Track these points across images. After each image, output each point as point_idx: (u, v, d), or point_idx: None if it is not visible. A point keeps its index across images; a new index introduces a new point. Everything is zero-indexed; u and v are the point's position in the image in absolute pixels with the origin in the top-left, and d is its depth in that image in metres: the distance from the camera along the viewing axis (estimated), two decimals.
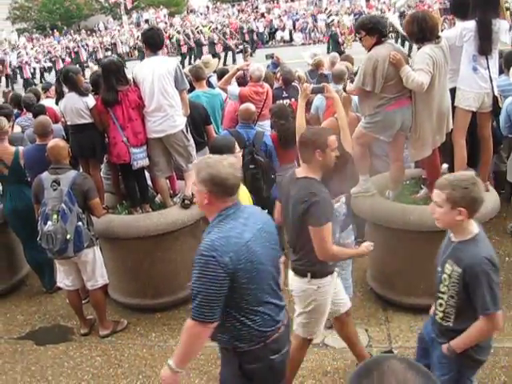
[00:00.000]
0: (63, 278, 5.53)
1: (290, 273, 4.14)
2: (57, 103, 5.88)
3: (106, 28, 46.67)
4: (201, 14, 46.12)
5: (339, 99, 5.16)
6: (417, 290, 5.31)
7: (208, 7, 48.10)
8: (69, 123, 5.91)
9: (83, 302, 5.85)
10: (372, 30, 5.19)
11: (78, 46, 34.69)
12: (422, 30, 5.02)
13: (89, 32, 45.05)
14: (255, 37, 33.06)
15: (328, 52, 23.84)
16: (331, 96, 5.19)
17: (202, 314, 2.86)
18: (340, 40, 25.59)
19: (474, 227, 3.20)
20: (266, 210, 5.97)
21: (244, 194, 4.33)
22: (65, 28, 50.46)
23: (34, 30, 52.26)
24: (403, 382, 1.47)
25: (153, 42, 5.79)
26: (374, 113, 5.22)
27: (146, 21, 45.43)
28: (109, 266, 5.60)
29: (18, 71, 30.74)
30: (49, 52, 33.99)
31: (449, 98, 5.26)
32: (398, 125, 5.20)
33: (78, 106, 5.71)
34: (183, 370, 3.07)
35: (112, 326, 5.73)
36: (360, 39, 5.35)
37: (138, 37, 34.82)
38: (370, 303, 5.79)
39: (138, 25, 45.00)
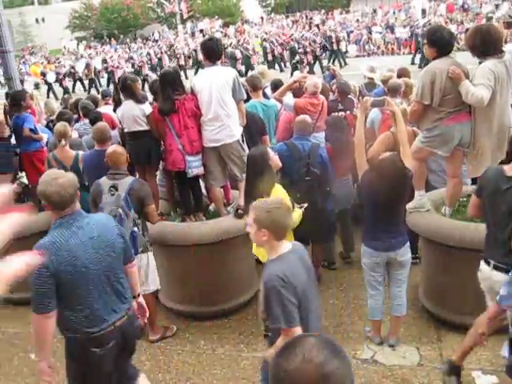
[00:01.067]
0: None
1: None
2: (114, 110, 6.00)
3: (161, 37, 47.44)
4: (255, 24, 46.43)
5: (400, 113, 5.11)
6: (471, 309, 5.18)
7: (262, 18, 48.37)
8: (126, 130, 6.03)
9: None
10: (432, 42, 5.14)
11: (161, 52, 35.32)
12: (485, 44, 4.93)
13: (144, 41, 45.92)
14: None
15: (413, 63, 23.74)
16: (392, 110, 5.14)
17: (36, 306, 3.44)
18: None
19: (282, 248, 3.41)
20: (320, 222, 6.05)
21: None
22: (121, 36, 51.63)
23: (92, 38, 53.65)
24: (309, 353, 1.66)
25: (212, 52, 5.85)
26: (432, 127, 5.15)
27: (201, 31, 46.09)
28: (161, 272, 5.64)
29: (110, 75, 31.20)
30: (131, 58, 34.51)
31: (510, 114, 5.15)
32: (456, 140, 5.11)
33: (134, 113, 5.82)
34: (46, 358, 3.59)
35: (162, 331, 5.78)
36: (423, 45, 5.31)
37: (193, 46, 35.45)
38: (422, 321, 5.67)
39: (192, 34, 45.67)
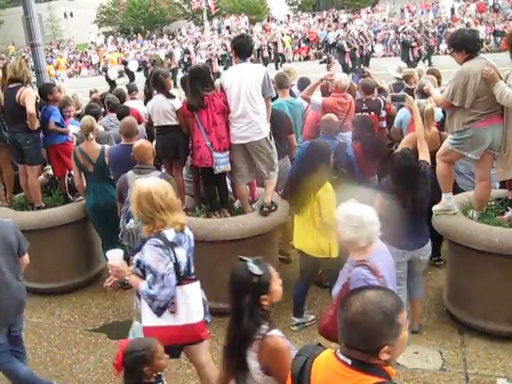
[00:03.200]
0: None
1: None
2: (145, 104, 6.03)
3: (187, 33, 47.63)
4: (281, 22, 46.35)
5: (418, 110, 5.30)
6: (496, 315, 5.13)
7: (288, 16, 48.28)
8: (155, 124, 6.06)
9: None
10: (457, 45, 5.09)
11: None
12: None
13: (170, 36, 46.13)
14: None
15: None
16: (411, 106, 5.37)
17: None
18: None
19: None
20: None
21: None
22: (148, 32, 51.92)
23: (119, 33, 54.04)
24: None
25: (242, 49, 5.85)
26: (462, 129, 5.09)
27: (227, 27, 46.17)
28: None
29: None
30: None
31: None
32: (487, 143, 5.05)
33: (164, 108, 5.85)
34: None
35: None
36: (451, 54, 5.25)
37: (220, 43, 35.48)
38: (445, 325, 5.60)
39: (219, 31, 45.75)
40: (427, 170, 5.03)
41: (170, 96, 5.90)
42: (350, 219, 3.46)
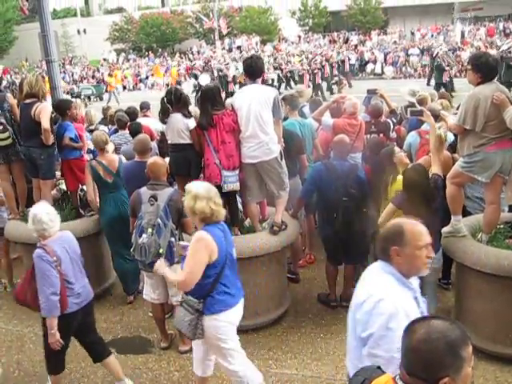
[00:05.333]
0: (150, 291, 5.68)
1: None
2: (162, 121, 6.09)
3: (198, 52, 48.03)
4: (292, 43, 46.70)
5: (435, 124, 5.47)
6: (505, 339, 5.13)
7: (300, 37, 48.64)
8: (169, 142, 6.14)
9: (166, 316, 5.98)
10: (478, 66, 5.14)
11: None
12: None
13: (182, 55, 46.54)
14: (347, 68, 32.72)
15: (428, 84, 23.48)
16: (429, 121, 5.53)
17: None
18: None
19: None
20: (355, 243, 6.08)
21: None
22: (160, 50, 52.40)
23: (131, 50, 54.55)
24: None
25: (252, 70, 5.94)
26: (473, 152, 5.14)
27: (238, 47, 46.54)
28: None
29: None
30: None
31: None
32: (497, 166, 5.09)
33: (180, 127, 5.95)
34: None
35: (191, 343, 5.81)
36: (465, 71, 5.32)
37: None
38: None
39: (230, 50, 46.12)
40: (439, 181, 5.21)
41: (186, 115, 5.98)
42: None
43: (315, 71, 26.87)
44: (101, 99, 32.57)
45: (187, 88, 26.28)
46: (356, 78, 33.11)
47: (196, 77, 30.91)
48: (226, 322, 4.30)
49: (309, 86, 25.18)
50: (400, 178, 5.67)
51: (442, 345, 2.08)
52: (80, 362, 5.75)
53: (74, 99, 29.43)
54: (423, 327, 2.15)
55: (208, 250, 4.08)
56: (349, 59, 32.85)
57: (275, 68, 31.77)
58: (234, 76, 28.27)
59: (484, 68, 5.12)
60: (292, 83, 29.89)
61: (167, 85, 30.58)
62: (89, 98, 31.37)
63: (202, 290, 4.18)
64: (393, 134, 7.85)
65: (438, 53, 26.39)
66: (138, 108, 10.26)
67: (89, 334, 5.07)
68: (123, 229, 6.41)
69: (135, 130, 7.90)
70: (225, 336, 4.31)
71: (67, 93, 31.31)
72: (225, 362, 4.44)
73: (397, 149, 6.16)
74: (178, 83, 29.49)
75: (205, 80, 28.60)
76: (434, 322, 2.17)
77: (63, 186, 7.51)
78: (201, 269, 4.08)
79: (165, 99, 6.08)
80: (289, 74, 30.96)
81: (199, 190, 4.21)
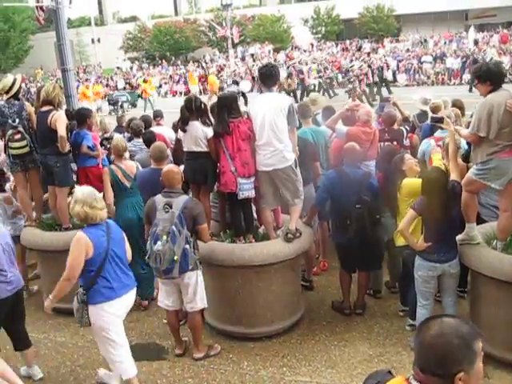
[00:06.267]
0: (164, 298, 5.72)
1: None
2: (182, 129, 6.11)
3: (211, 60, 48.22)
4: (304, 51, 46.76)
5: (454, 132, 5.54)
6: None
7: (312, 45, 48.70)
8: (185, 149, 6.17)
9: (180, 323, 6.01)
10: (482, 77, 5.18)
11: None
12: None
13: (196, 63, 46.74)
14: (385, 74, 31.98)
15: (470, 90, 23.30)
16: (448, 128, 5.60)
17: None
18: None
19: None
20: (368, 250, 6.10)
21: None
22: (173, 58, 52.70)
23: (144, 59, 54.90)
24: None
25: (267, 78, 5.99)
26: (486, 160, 5.15)
27: (252, 55, 46.68)
28: (208, 291, 5.73)
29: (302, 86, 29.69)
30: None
31: None
32: (510, 173, 5.09)
33: (197, 135, 5.97)
34: None
35: (206, 349, 5.85)
36: (475, 86, 5.34)
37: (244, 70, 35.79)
38: None
39: (243, 59, 46.26)
40: (457, 187, 5.27)
41: (205, 124, 6.01)
42: None
43: (361, 77, 26.49)
44: (134, 106, 32.24)
45: (245, 87, 25.96)
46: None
47: (237, 83, 30.73)
48: (109, 312, 4.77)
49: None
50: (406, 183, 5.75)
51: (456, 338, 2.12)
52: (95, 369, 5.77)
53: (111, 106, 29.68)
54: (436, 324, 2.19)
55: (83, 247, 4.62)
56: (387, 66, 32.41)
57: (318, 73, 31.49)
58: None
59: (489, 75, 5.16)
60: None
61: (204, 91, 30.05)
62: (121, 105, 30.99)
63: (86, 283, 4.75)
64: (406, 142, 7.85)
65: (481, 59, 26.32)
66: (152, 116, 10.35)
67: (19, 322, 5.48)
68: (139, 233, 6.48)
69: (149, 139, 7.96)
70: (107, 326, 4.79)
71: (103, 98, 31.36)
72: (105, 350, 4.97)
73: (407, 156, 6.16)
74: (221, 89, 29.19)
75: (246, 86, 28.53)
76: (445, 319, 2.23)
77: None
78: (78, 264, 4.65)
79: (184, 107, 6.10)
80: (328, 81, 30.74)
81: (78, 194, 4.77)
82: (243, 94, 7.99)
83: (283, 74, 28.74)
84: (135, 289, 5.07)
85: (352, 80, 25.85)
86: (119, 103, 30.82)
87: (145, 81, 33.50)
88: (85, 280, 4.76)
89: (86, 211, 4.68)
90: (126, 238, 5.09)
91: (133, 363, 5.06)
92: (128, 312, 6.86)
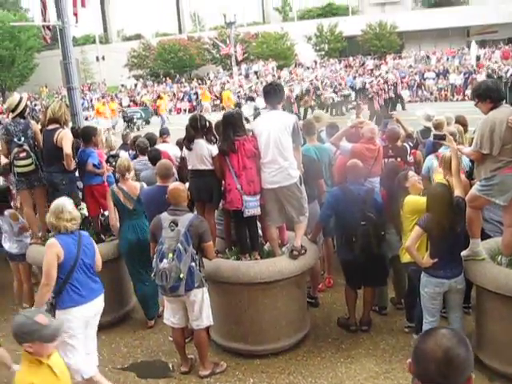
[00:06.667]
0: (170, 316, 5.72)
1: None
2: (188, 147, 6.14)
3: (215, 77, 48.48)
4: (308, 68, 47.00)
5: (456, 149, 5.56)
6: None
7: (316, 62, 48.96)
8: (189, 167, 6.20)
9: (186, 340, 6.01)
10: (482, 95, 5.24)
11: None
12: None
13: (199, 81, 47.01)
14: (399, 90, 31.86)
15: None
16: (451, 145, 5.61)
17: None
18: None
19: None
20: (373, 267, 6.10)
21: None
22: (177, 76, 53.00)
23: (149, 76, 55.23)
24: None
25: (272, 96, 6.05)
26: (490, 176, 5.18)
27: (255, 72, 46.94)
28: (213, 308, 5.74)
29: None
30: None
31: None
32: None
33: (203, 153, 6.00)
34: None
35: (212, 367, 5.84)
36: (476, 105, 5.37)
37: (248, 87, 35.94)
38: (475, 372, 5.48)
39: (246, 76, 46.51)
40: (461, 202, 5.30)
41: (210, 142, 6.04)
42: None
43: (379, 92, 26.47)
44: (148, 123, 32.17)
45: (247, 111, 25.82)
46: None
47: (253, 99, 30.57)
48: (75, 317, 5.01)
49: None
50: (409, 201, 5.77)
51: (465, 345, 2.21)
52: None
53: (126, 123, 29.70)
54: (438, 339, 2.23)
55: (55, 252, 4.89)
56: (401, 81, 32.41)
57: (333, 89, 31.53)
58: (296, 96, 27.76)
59: (488, 92, 5.21)
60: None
61: (223, 108, 29.97)
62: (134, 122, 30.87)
63: (55, 288, 4.96)
64: (410, 158, 7.89)
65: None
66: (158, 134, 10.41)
67: None
68: (142, 255, 6.55)
69: (154, 156, 7.99)
70: (71, 331, 4.95)
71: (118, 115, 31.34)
72: (63, 354, 4.87)
73: (411, 173, 6.19)
74: (238, 105, 29.05)
75: (262, 103, 28.32)
76: (441, 331, 2.28)
77: (85, 211, 7.61)
78: (53, 267, 4.89)
79: (190, 125, 6.14)
80: (342, 98, 30.77)
81: (52, 206, 5.12)
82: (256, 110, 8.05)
83: (297, 90, 28.91)
84: (102, 295, 5.31)
85: (371, 96, 25.75)
86: (134, 120, 30.84)
87: (159, 97, 33.46)
88: (55, 286, 4.99)
89: (52, 222, 5.03)
90: (97, 249, 5.38)
91: (92, 364, 5.30)
92: (133, 330, 6.95)
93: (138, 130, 26.76)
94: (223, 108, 28.99)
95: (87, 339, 5.25)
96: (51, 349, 3.57)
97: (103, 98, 37.50)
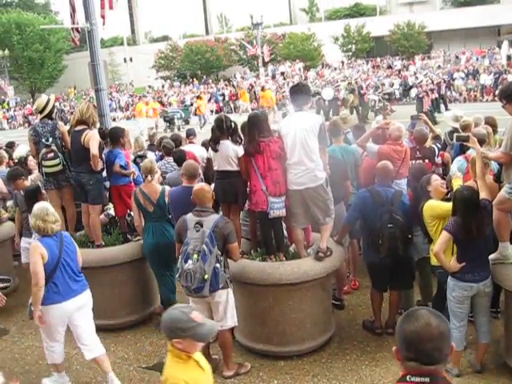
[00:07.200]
0: None
1: None
2: (213, 148, 6.14)
3: (242, 78, 48.52)
4: (335, 68, 46.81)
5: (480, 150, 5.53)
6: None
7: (343, 62, 48.74)
8: (215, 168, 6.21)
9: (210, 340, 6.00)
10: (510, 97, 5.12)
11: None
12: None
13: (226, 82, 47.11)
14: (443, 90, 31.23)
15: None
16: (475, 146, 5.60)
17: None
18: None
19: None
20: (400, 270, 6.03)
21: None
22: (204, 77, 53.23)
23: (176, 77, 55.56)
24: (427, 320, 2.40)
25: (298, 97, 6.02)
26: None
27: (282, 73, 46.85)
28: (238, 309, 5.74)
29: None
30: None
31: None
32: None
33: (228, 154, 6.00)
34: None
35: (236, 367, 5.84)
36: (503, 107, 5.26)
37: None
38: (504, 378, 5.44)
39: (273, 77, 46.45)
40: (488, 205, 5.25)
41: (236, 142, 6.03)
42: None
43: (428, 93, 25.85)
44: (187, 123, 31.92)
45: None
46: (400, 103, 32.80)
47: (319, 93, 30.02)
48: (53, 315, 5.36)
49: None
50: (427, 207, 5.70)
51: (441, 316, 2.47)
52: None
53: (166, 123, 29.93)
54: (425, 319, 2.43)
55: (39, 254, 5.18)
56: (444, 81, 31.91)
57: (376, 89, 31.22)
58: (343, 99, 27.56)
59: None
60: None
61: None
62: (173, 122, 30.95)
63: None
64: (438, 160, 7.78)
65: None
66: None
67: None
68: (161, 257, 6.65)
69: (180, 157, 8.02)
70: (51, 325, 5.42)
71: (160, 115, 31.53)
72: (44, 340, 5.64)
73: (434, 176, 6.07)
74: (283, 105, 28.73)
75: (328, 94, 28.04)
76: (421, 312, 2.48)
77: (112, 211, 7.68)
78: (40, 268, 5.17)
79: (216, 127, 6.15)
80: (386, 97, 30.48)
81: (34, 209, 5.43)
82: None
83: (333, 90, 28.52)
84: (86, 292, 5.62)
85: (421, 96, 25.24)
86: (174, 120, 30.97)
87: (199, 97, 33.44)
88: None
89: (38, 224, 5.30)
90: (78, 249, 5.69)
91: (62, 355, 5.76)
92: (159, 329, 6.97)
93: (179, 129, 26.80)
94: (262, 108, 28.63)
95: (77, 330, 5.61)
96: (200, 347, 3.50)
97: (143, 97, 37.26)
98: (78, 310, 5.52)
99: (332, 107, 26.04)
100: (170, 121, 30.63)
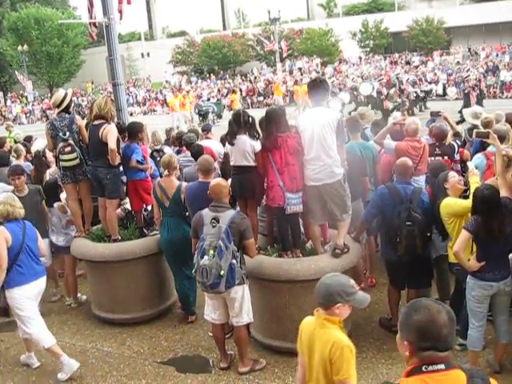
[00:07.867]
0: (210, 312, 5.72)
1: None
2: (230, 143, 6.11)
3: (259, 73, 48.48)
4: (353, 64, 46.60)
5: (501, 147, 5.49)
6: None
7: (360, 58, 48.51)
8: (232, 163, 6.17)
9: (226, 336, 6.01)
10: None
11: None
12: None
13: (243, 77, 47.10)
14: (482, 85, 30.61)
15: None
16: (495, 143, 5.55)
17: None
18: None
19: None
20: (418, 268, 5.96)
21: None
22: (221, 72, 53.25)
23: (193, 73, 55.64)
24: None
25: (316, 93, 5.97)
26: None
27: (299, 69, 46.73)
28: (254, 305, 5.71)
29: None
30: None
31: None
32: None
33: (245, 149, 5.95)
34: None
35: (251, 364, 5.82)
36: None
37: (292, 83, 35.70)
38: None
39: (290, 72, 46.36)
40: (509, 204, 5.15)
41: (253, 137, 5.99)
42: None
43: (475, 88, 25.39)
44: (219, 117, 31.93)
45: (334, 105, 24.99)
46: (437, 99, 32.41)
47: (356, 89, 29.88)
48: (20, 295, 5.77)
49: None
50: (443, 205, 5.63)
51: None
52: (140, 380, 5.82)
53: (201, 117, 30.05)
54: (433, 307, 2.53)
55: (4, 239, 5.60)
56: (484, 76, 31.43)
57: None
58: (387, 93, 27.38)
59: None
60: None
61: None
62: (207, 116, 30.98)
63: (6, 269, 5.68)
64: (457, 157, 7.69)
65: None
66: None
67: None
68: (176, 253, 6.65)
69: (197, 152, 8.01)
70: (20, 305, 5.81)
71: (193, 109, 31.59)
72: (23, 325, 5.92)
73: (451, 173, 5.97)
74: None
75: (366, 89, 27.84)
76: (425, 302, 2.57)
77: (128, 206, 7.69)
78: (3, 251, 5.58)
79: (233, 121, 6.11)
80: (423, 94, 30.17)
81: (3, 198, 5.85)
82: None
83: (371, 86, 28.23)
84: (45, 276, 6.10)
85: (467, 91, 24.84)
86: (208, 114, 30.78)
87: (233, 91, 33.45)
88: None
89: (7, 209, 5.75)
90: (39, 236, 6.12)
91: (49, 334, 5.99)
92: (174, 324, 6.99)
93: (214, 123, 26.80)
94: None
95: None
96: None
97: (178, 91, 37.13)
98: (39, 294, 6.03)
99: (370, 102, 25.83)
100: (203, 115, 30.57)
